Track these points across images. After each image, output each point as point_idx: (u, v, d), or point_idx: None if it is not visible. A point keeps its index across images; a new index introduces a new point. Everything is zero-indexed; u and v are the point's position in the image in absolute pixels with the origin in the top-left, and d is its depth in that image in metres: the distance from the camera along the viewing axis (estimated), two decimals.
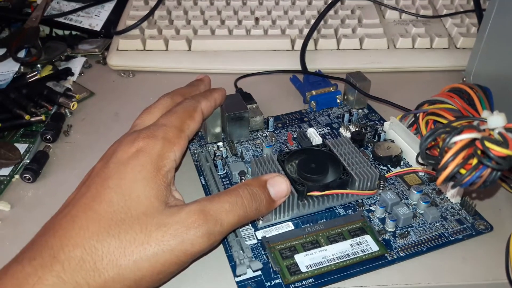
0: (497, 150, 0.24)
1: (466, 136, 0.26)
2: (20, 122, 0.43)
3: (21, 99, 0.43)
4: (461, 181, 0.26)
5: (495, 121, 0.26)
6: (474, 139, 0.26)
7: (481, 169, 0.25)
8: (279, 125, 0.43)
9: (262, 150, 0.40)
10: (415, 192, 0.34)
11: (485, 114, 0.28)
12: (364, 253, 0.31)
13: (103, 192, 0.28)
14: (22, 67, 0.51)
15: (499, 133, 0.25)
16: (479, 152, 0.25)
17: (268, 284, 0.29)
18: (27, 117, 0.42)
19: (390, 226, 0.33)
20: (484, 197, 0.36)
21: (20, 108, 0.43)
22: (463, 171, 0.26)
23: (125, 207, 0.27)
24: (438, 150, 0.28)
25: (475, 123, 0.28)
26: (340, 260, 0.30)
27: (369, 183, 0.34)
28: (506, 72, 0.40)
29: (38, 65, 0.51)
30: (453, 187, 0.27)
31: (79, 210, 0.27)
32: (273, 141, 0.41)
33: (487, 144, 0.24)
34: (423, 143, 0.28)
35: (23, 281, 0.24)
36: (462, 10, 0.56)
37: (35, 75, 0.48)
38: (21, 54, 0.51)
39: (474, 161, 0.25)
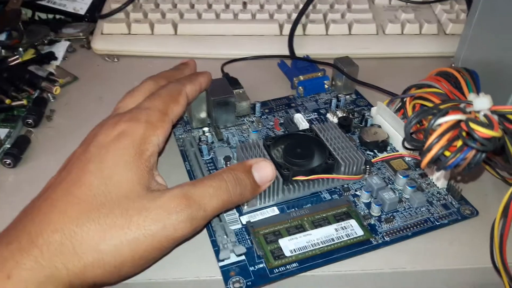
0: (481, 131, 0.24)
1: (451, 118, 0.25)
2: (1, 107, 0.42)
3: (1, 83, 0.42)
4: (446, 163, 0.25)
5: (481, 103, 0.26)
6: (459, 121, 0.26)
7: (466, 151, 0.25)
8: (266, 110, 0.43)
9: (248, 135, 0.40)
10: (401, 177, 0.34)
11: (471, 96, 0.27)
12: (349, 238, 0.31)
13: (83, 176, 0.27)
14: (3, 50, 0.49)
15: (485, 115, 0.25)
16: (464, 133, 0.25)
17: (251, 268, 0.29)
18: (8, 101, 0.41)
19: (375, 211, 0.32)
20: (469, 181, 0.36)
21: (1, 92, 0.42)
22: (447, 153, 0.25)
23: (105, 191, 0.26)
24: (424, 133, 0.27)
25: (461, 105, 0.28)
26: (324, 245, 0.30)
27: (355, 168, 0.34)
28: (494, 58, 0.40)
29: (20, 49, 0.50)
30: (437, 170, 0.27)
31: (59, 194, 0.27)
32: (260, 126, 0.41)
33: (472, 125, 0.24)
34: (408, 125, 0.28)
35: (0, 266, 0.23)
36: None
37: (17, 58, 0.47)
38: (2, 37, 0.50)
39: (459, 143, 0.25)
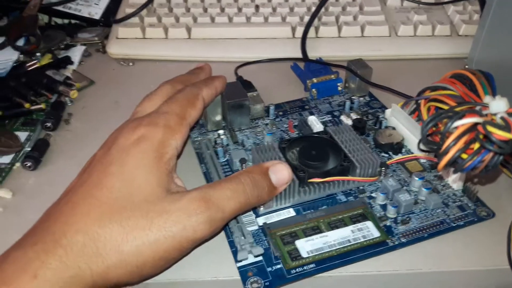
0: (499, 134, 0.24)
1: (468, 121, 0.25)
2: (21, 111, 0.43)
3: (20, 87, 0.43)
4: (463, 166, 0.26)
5: (497, 105, 0.26)
6: (475, 124, 0.26)
7: (483, 153, 0.25)
8: (280, 113, 0.43)
9: (263, 138, 0.40)
10: (417, 179, 0.34)
11: (487, 99, 0.28)
12: (365, 239, 0.31)
13: (104, 179, 0.28)
14: (21, 55, 0.50)
15: (502, 118, 0.25)
16: (481, 136, 0.25)
17: (269, 269, 0.29)
18: (27, 105, 0.42)
19: (391, 212, 0.33)
20: (485, 183, 0.36)
21: (20, 96, 0.43)
22: (464, 156, 0.26)
23: (127, 194, 0.27)
24: (440, 136, 0.27)
25: (477, 108, 0.28)
26: (341, 246, 0.30)
27: (370, 170, 0.34)
28: (509, 59, 0.40)
29: (38, 54, 0.51)
30: (454, 172, 0.27)
31: (80, 197, 0.27)
32: (274, 129, 0.41)
33: (489, 128, 0.24)
34: (425, 128, 0.28)
35: (25, 266, 0.24)
36: None
37: (35, 63, 0.48)
38: (20, 42, 0.51)
39: (476, 146, 0.25)
